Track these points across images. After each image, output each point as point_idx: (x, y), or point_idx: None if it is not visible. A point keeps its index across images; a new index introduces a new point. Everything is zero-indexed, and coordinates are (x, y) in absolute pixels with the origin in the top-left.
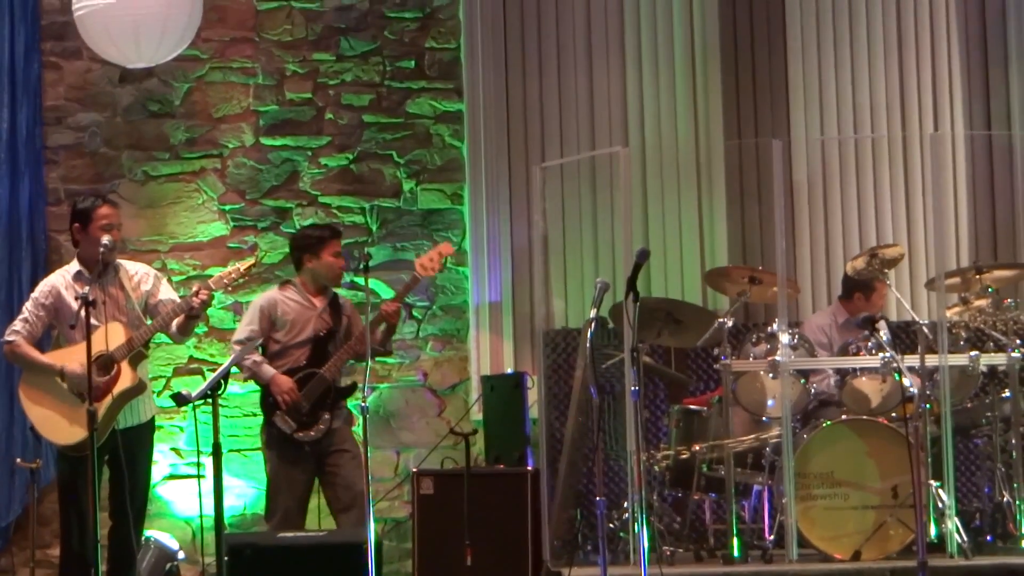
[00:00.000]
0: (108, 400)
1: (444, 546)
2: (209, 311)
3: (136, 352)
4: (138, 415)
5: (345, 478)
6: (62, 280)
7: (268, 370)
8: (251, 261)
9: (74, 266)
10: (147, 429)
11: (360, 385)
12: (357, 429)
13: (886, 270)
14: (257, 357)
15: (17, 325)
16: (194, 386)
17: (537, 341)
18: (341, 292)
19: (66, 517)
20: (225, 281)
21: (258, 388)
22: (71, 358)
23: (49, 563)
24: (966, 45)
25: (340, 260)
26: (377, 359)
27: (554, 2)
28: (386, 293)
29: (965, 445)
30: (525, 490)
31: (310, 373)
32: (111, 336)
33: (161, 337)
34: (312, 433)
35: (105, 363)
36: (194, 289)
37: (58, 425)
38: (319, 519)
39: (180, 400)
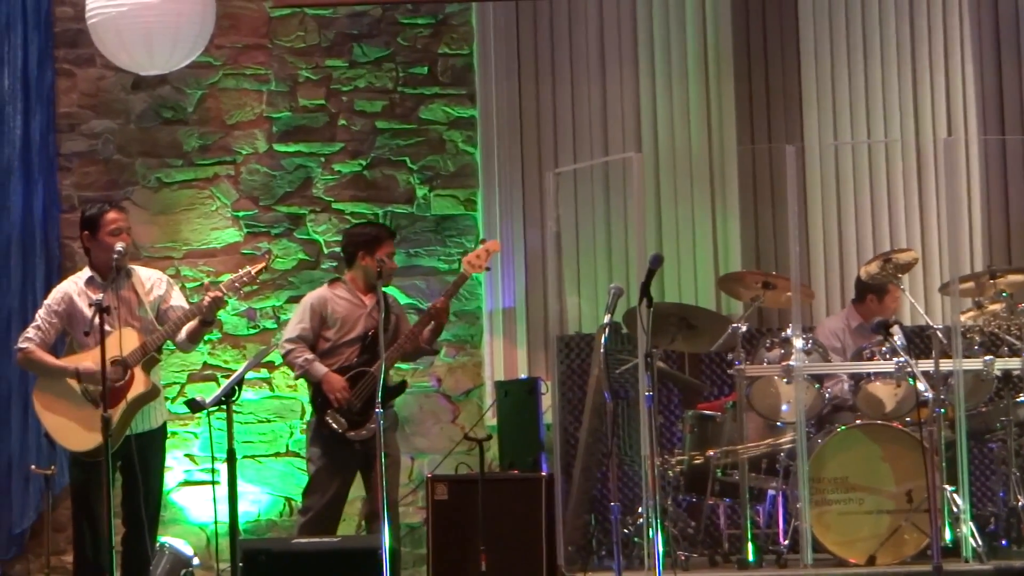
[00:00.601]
0: (122, 405)
1: (459, 552)
2: (223, 317)
3: (149, 357)
4: (150, 421)
5: (384, 485)
6: (74, 287)
7: (320, 368)
8: (262, 264)
9: (86, 272)
10: (160, 435)
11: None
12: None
13: (900, 275)
14: (309, 355)
15: (30, 332)
16: (208, 392)
17: (551, 346)
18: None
19: (79, 524)
20: (237, 284)
21: (273, 394)
22: (84, 362)
23: (64, 569)
24: (979, 49)
25: (393, 262)
26: (421, 358)
27: (567, 7)
28: (400, 299)
29: (980, 449)
30: (539, 495)
31: (361, 372)
32: (125, 341)
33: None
34: (363, 432)
35: (119, 368)
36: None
37: (72, 431)
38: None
39: (194, 406)
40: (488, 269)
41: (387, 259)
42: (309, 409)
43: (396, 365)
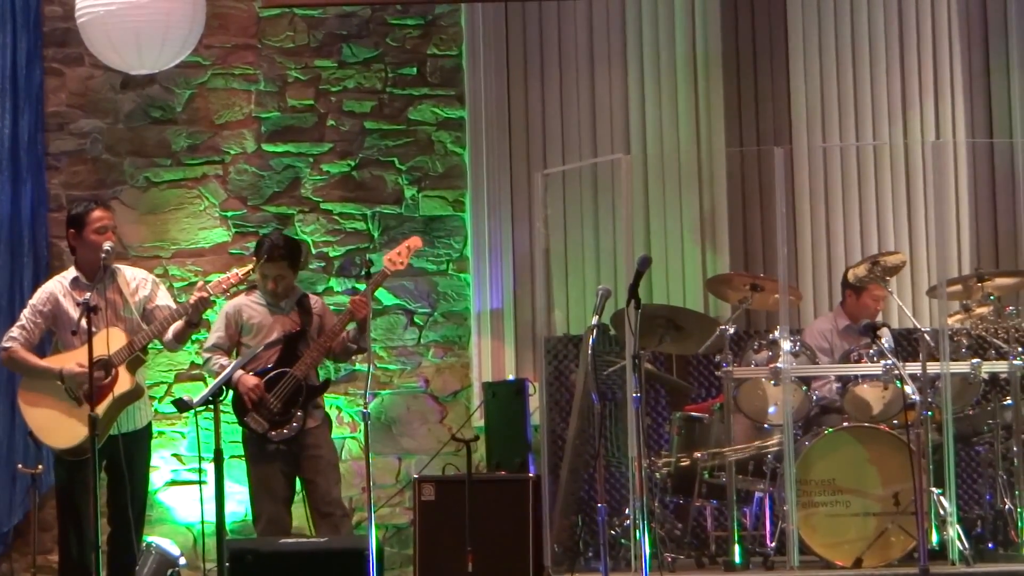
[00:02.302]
0: (108, 400)
1: (445, 552)
2: (210, 317)
3: (134, 357)
4: (135, 421)
5: (320, 486)
6: (59, 287)
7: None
8: (249, 266)
9: (71, 272)
10: (144, 435)
11: (358, 391)
12: (358, 435)
13: (888, 277)
14: (224, 360)
15: (14, 332)
16: (196, 392)
17: (539, 348)
18: (342, 299)
19: (64, 523)
20: (223, 286)
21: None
22: (69, 362)
23: (50, 568)
24: (968, 52)
25: (269, 283)
26: (384, 356)
27: (555, 9)
28: (388, 300)
29: (967, 452)
30: (526, 497)
31: (280, 372)
32: (111, 341)
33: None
34: (285, 431)
35: (103, 367)
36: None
37: (56, 429)
38: (310, 526)
39: (182, 406)
40: (408, 266)
41: (260, 279)
42: None
43: (326, 363)
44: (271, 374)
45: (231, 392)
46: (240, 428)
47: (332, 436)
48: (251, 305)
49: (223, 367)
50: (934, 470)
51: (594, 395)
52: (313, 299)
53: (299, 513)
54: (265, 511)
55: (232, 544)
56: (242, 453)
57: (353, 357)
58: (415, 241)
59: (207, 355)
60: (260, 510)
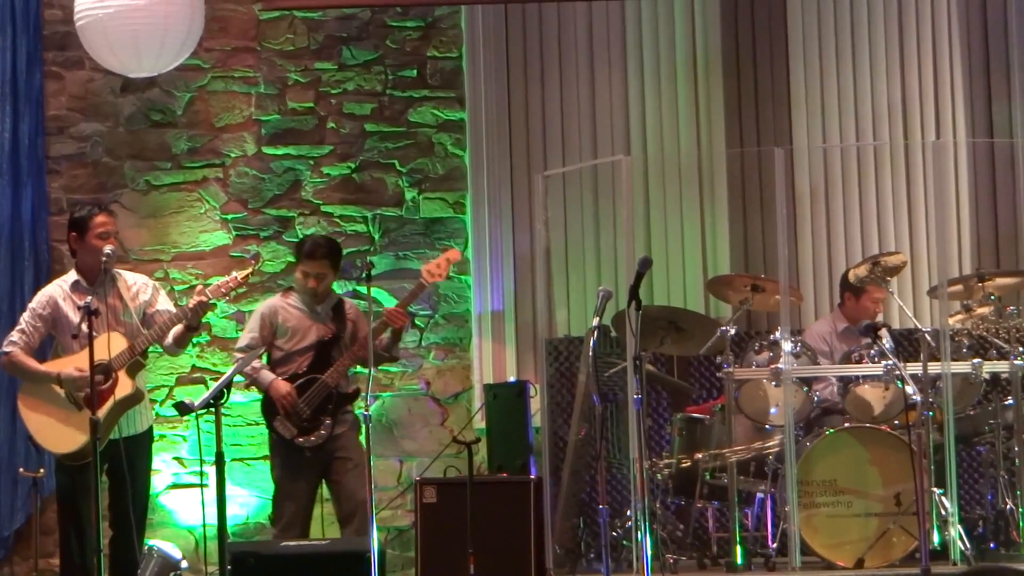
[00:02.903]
0: (109, 404)
1: (447, 555)
2: (211, 320)
3: (134, 361)
4: (136, 425)
5: (346, 488)
6: (59, 291)
7: (267, 376)
8: (249, 270)
9: (71, 276)
10: (145, 439)
11: (363, 393)
12: (360, 438)
13: (888, 278)
14: (257, 363)
15: (14, 336)
16: (197, 395)
17: (540, 350)
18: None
19: (65, 528)
20: (223, 290)
21: (260, 396)
22: (69, 366)
23: (52, 572)
24: (968, 52)
25: (308, 281)
26: (382, 367)
27: (555, 10)
28: (388, 302)
29: (968, 452)
30: (528, 498)
31: (311, 379)
32: (111, 345)
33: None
34: (313, 438)
35: (103, 371)
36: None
37: (56, 434)
38: (323, 528)
39: (183, 409)
40: (449, 279)
41: (310, 278)
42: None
43: (357, 370)
44: (302, 379)
45: (262, 395)
46: (267, 431)
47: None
48: (287, 307)
49: (255, 368)
50: (935, 470)
51: (595, 397)
52: (348, 305)
53: (318, 515)
54: (286, 513)
55: (234, 547)
56: (254, 456)
57: (383, 364)
58: (454, 254)
59: (239, 355)
60: (281, 512)
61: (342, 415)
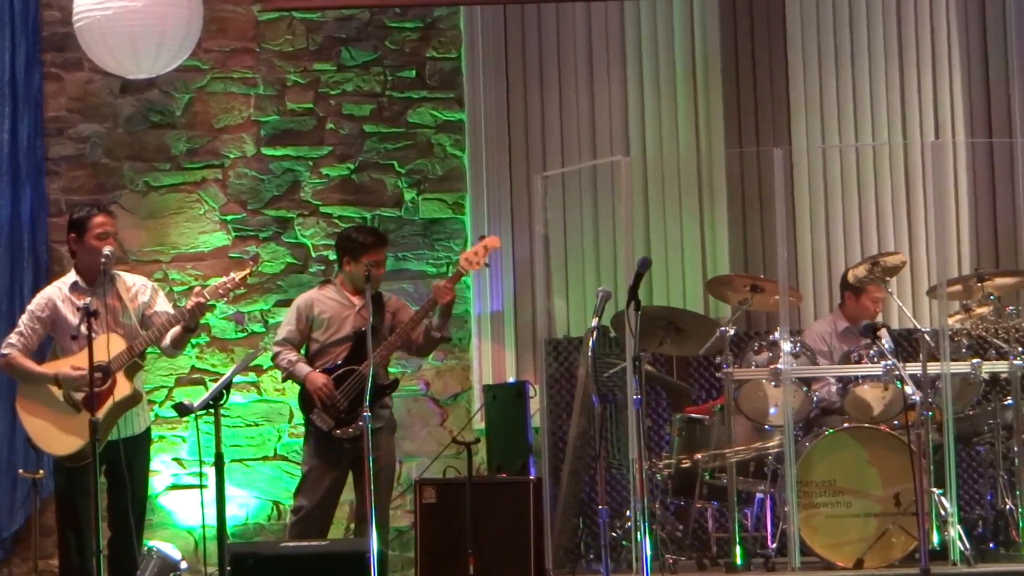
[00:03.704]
0: (108, 405)
1: (447, 555)
2: (211, 321)
3: (132, 363)
4: (134, 426)
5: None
6: (58, 292)
7: (303, 368)
8: (247, 271)
9: (71, 277)
10: (143, 440)
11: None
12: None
13: (888, 278)
14: (292, 356)
15: (12, 338)
16: (196, 396)
17: (539, 350)
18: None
19: (64, 530)
20: (221, 291)
21: (261, 398)
22: (67, 367)
23: (51, 573)
24: (967, 53)
25: (379, 269)
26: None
27: (555, 11)
28: None
29: (967, 453)
30: (527, 499)
31: (349, 370)
32: (111, 347)
33: None
34: (351, 430)
35: (102, 373)
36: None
37: (54, 436)
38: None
39: (182, 410)
40: (487, 265)
41: (374, 267)
42: (298, 413)
43: (398, 361)
44: (339, 371)
45: (299, 387)
46: (262, 432)
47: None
48: (323, 299)
49: (291, 362)
50: (935, 470)
51: (595, 397)
52: (387, 295)
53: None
54: (308, 505)
55: (233, 548)
56: (253, 456)
57: (436, 348)
58: (493, 240)
59: (276, 349)
60: (304, 503)
61: (379, 409)
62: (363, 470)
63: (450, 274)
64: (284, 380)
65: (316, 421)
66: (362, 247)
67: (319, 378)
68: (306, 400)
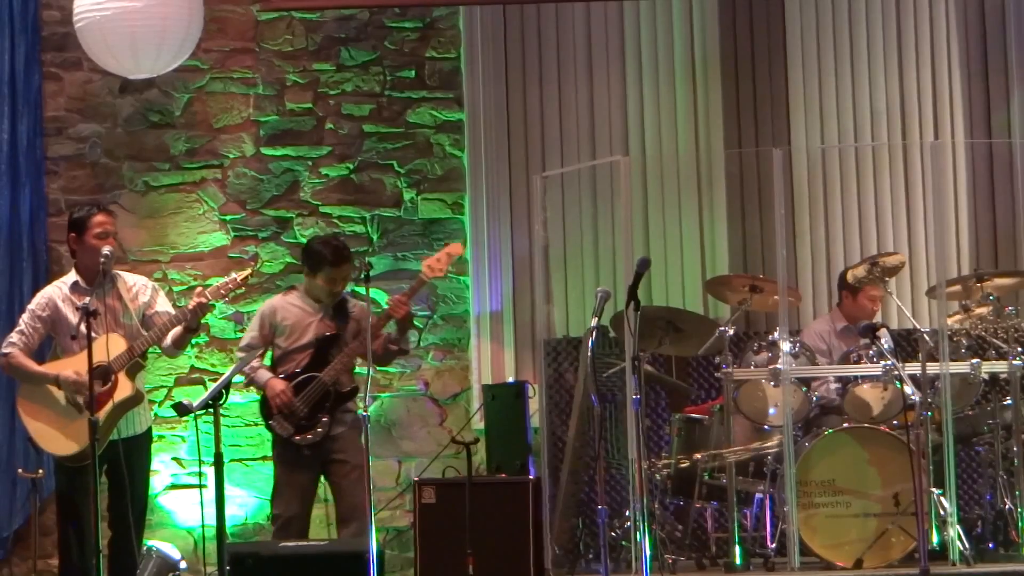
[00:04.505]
0: (109, 406)
1: (446, 555)
2: (210, 321)
3: (133, 362)
4: (135, 426)
5: (344, 492)
6: (59, 292)
7: (263, 374)
8: (248, 271)
9: (71, 277)
10: (145, 439)
11: (360, 393)
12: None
13: (887, 278)
14: (256, 363)
15: (13, 337)
16: (195, 396)
17: (538, 350)
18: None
19: (64, 529)
20: (222, 291)
21: (259, 397)
22: (68, 367)
23: (51, 573)
24: (966, 53)
25: (335, 286)
26: (382, 368)
27: (554, 11)
28: (386, 303)
29: (967, 452)
30: (527, 499)
31: (309, 377)
32: (111, 346)
33: None
34: (310, 436)
35: (103, 373)
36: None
37: (55, 436)
38: (328, 528)
39: (182, 410)
40: (449, 272)
41: (328, 283)
42: None
43: (355, 363)
44: (300, 378)
45: (261, 396)
46: (258, 429)
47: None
48: (287, 306)
49: (254, 368)
50: (934, 470)
51: (594, 397)
52: (352, 303)
53: (318, 516)
54: (283, 513)
55: (233, 548)
56: (252, 456)
57: (394, 360)
58: (455, 248)
59: (240, 355)
60: (279, 511)
61: (340, 414)
62: (334, 474)
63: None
64: (246, 386)
65: (275, 427)
66: (319, 263)
67: (278, 384)
68: (266, 407)
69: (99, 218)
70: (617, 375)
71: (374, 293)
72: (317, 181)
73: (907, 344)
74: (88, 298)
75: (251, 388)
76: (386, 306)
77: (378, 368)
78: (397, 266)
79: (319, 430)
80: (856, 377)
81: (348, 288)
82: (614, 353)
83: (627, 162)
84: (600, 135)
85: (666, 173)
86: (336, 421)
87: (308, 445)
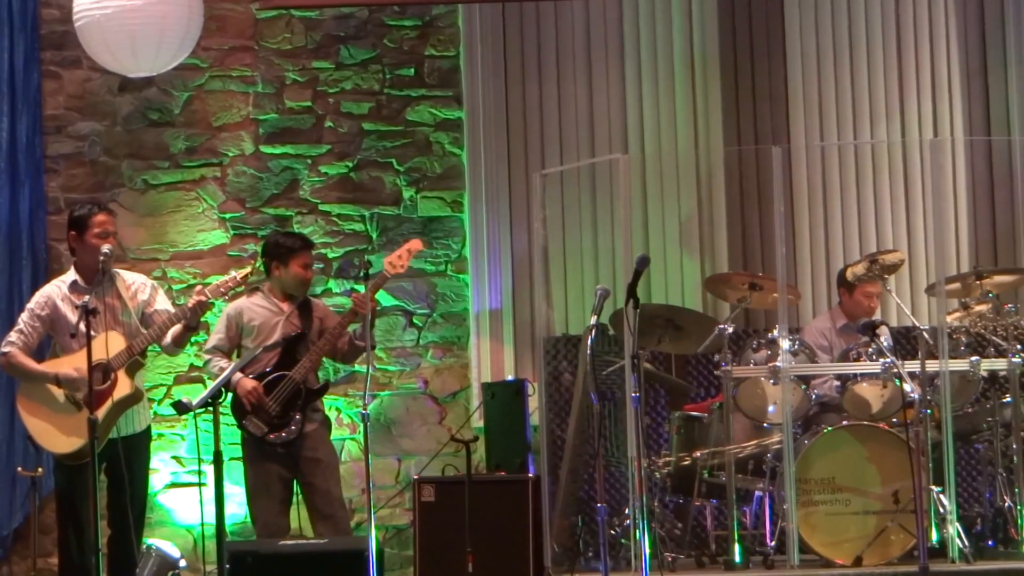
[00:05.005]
0: (108, 404)
1: (445, 553)
2: (210, 319)
3: (133, 361)
4: (134, 424)
5: (320, 488)
6: (58, 291)
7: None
8: (247, 269)
9: (70, 276)
10: (144, 438)
11: (357, 392)
12: (357, 436)
13: (886, 276)
14: (223, 363)
15: (12, 336)
16: (195, 394)
17: (538, 348)
18: (339, 300)
19: (64, 527)
20: (221, 290)
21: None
22: (67, 366)
23: (50, 571)
24: (965, 50)
25: (308, 272)
26: (383, 358)
27: (553, 9)
28: (385, 300)
29: (966, 450)
30: (526, 497)
31: (279, 376)
32: (110, 344)
33: None
34: (283, 434)
35: (102, 372)
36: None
37: (55, 434)
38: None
39: (181, 408)
40: (408, 268)
41: (303, 270)
42: None
43: (326, 364)
44: (270, 377)
45: (231, 395)
46: (239, 430)
47: (332, 438)
48: (252, 307)
49: (222, 369)
50: (933, 468)
51: (593, 395)
52: (315, 302)
53: (297, 515)
54: (262, 514)
55: (232, 546)
56: (241, 455)
57: (360, 356)
58: (415, 244)
59: (207, 357)
60: (257, 512)
61: (311, 412)
62: (308, 472)
63: (441, 280)
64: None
65: (249, 427)
66: (290, 251)
67: (248, 383)
68: (238, 406)
69: (100, 217)
70: (616, 373)
71: (380, 295)
72: (316, 179)
73: (906, 342)
74: (87, 297)
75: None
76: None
77: (343, 366)
78: None
79: (293, 427)
80: (855, 375)
81: (347, 286)
82: (613, 351)
83: (626, 160)
84: (599, 133)
85: (665, 171)
86: (307, 419)
87: (281, 443)
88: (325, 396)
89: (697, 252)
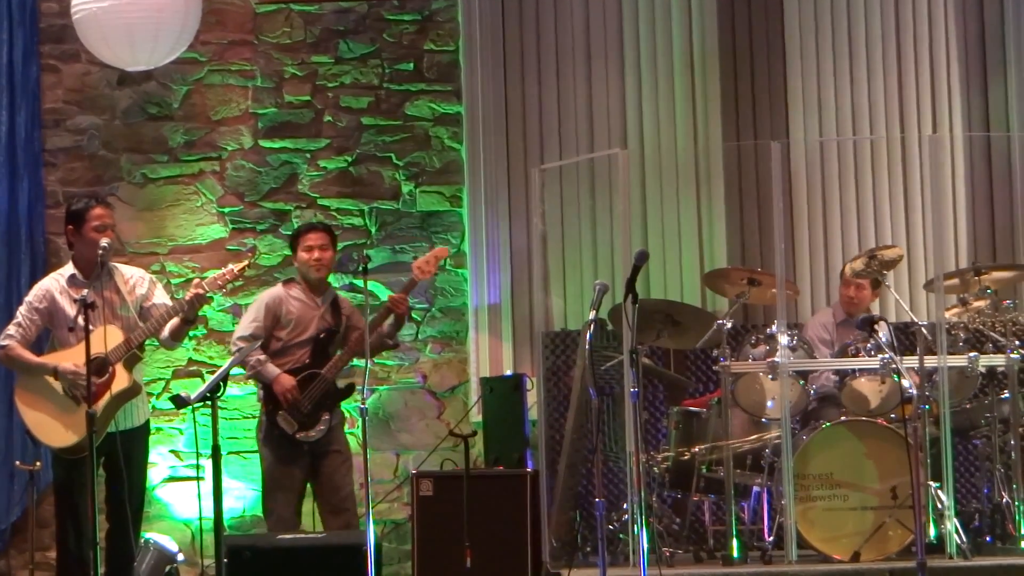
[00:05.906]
0: (106, 397)
1: (443, 548)
2: (208, 313)
3: (131, 354)
4: (133, 418)
5: (334, 481)
6: (56, 284)
7: (272, 369)
8: (245, 263)
9: (68, 269)
10: (142, 432)
11: (358, 387)
12: (356, 431)
13: (885, 271)
14: (261, 356)
15: (11, 329)
16: (193, 388)
17: (536, 343)
18: (342, 293)
19: (62, 520)
20: (219, 283)
21: (255, 389)
22: (66, 359)
23: (48, 565)
24: (964, 47)
25: (310, 255)
26: (378, 360)
27: (553, 4)
28: (384, 295)
29: (964, 446)
30: (524, 492)
31: (312, 373)
32: (108, 338)
33: None
34: (312, 434)
35: (100, 365)
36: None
37: (53, 428)
38: (314, 522)
39: (179, 402)
40: (436, 275)
41: (305, 253)
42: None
43: (354, 363)
44: (303, 375)
45: (262, 388)
46: (255, 421)
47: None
48: (290, 299)
49: (260, 363)
50: (932, 464)
51: (592, 390)
52: (342, 299)
53: (307, 510)
54: (278, 507)
55: (230, 540)
56: (249, 449)
57: (382, 352)
58: (442, 251)
59: (241, 344)
60: (273, 506)
61: (337, 410)
62: (320, 468)
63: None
64: (248, 378)
65: (281, 423)
66: (295, 236)
67: (288, 380)
68: (271, 401)
69: (98, 211)
70: (615, 368)
71: (372, 286)
72: (315, 173)
73: (905, 337)
74: (86, 291)
75: (249, 381)
76: (386, 301)
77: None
78: (395, 259)
79: (321, 427)
80: (854, 370)
81: (346, 280)
82: (612, 346)
83: (625, 155)
84: (598, 128)
85: (664, 166)
86: (333, 417)
87: (309, 442)
88: None
89: (696, 247)
